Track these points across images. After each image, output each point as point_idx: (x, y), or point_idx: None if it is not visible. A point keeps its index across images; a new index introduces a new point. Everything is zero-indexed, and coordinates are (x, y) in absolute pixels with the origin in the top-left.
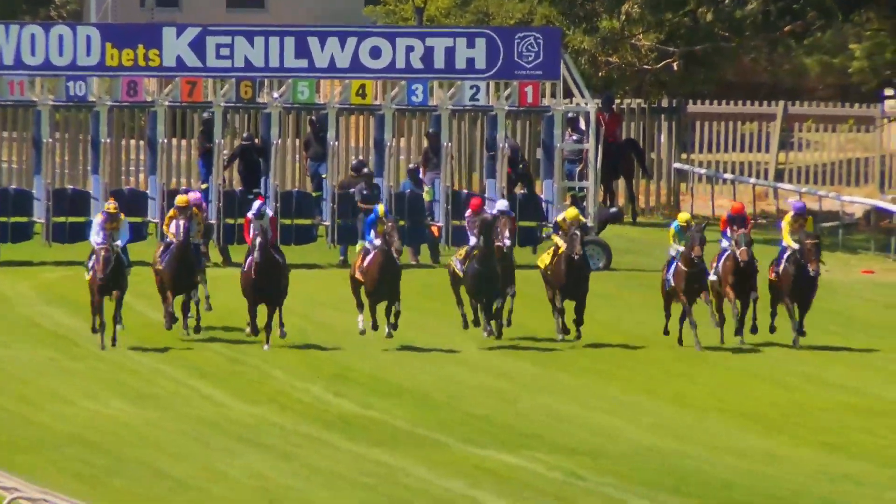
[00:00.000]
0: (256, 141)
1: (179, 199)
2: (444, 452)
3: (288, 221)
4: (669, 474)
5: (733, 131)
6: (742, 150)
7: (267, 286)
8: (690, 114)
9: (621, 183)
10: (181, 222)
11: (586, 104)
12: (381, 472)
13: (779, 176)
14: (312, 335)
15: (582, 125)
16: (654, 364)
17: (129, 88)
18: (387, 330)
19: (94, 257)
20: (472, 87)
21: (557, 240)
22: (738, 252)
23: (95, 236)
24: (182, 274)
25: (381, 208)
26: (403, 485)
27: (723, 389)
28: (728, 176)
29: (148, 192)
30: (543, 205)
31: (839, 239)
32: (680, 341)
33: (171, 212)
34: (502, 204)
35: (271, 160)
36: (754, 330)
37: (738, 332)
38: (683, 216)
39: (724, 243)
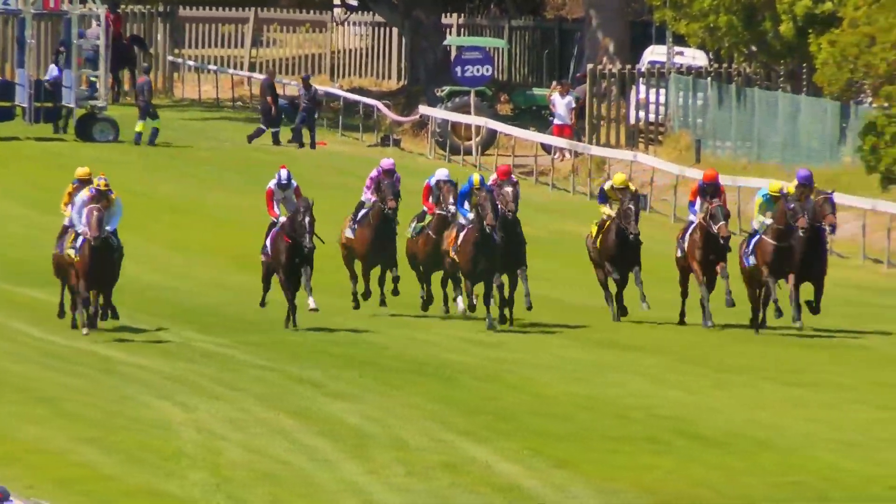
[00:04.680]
0: None
1: (80, 172)
2: None
3: None
4: (167, 305)
5: (216, 31)
6: (223, 46)
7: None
8: (182, 17)
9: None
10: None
11: (97, 8)
12: None
13: (252, 67)
14: None
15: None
16: (151, 214)
17: None
18: (496, 317)
19: (78, 240)
20: None
21: (605, 209)
22: (716, 228)
23: (78, 217)
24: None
25: (475, 177)
26: None
27: (210, 234)
28: (212, 67)
29: None
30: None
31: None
32: (763, 323)
33: (71, 187)
34: (442, 173)
35: None
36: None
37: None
38: (775, 185)
39: (692, 216)
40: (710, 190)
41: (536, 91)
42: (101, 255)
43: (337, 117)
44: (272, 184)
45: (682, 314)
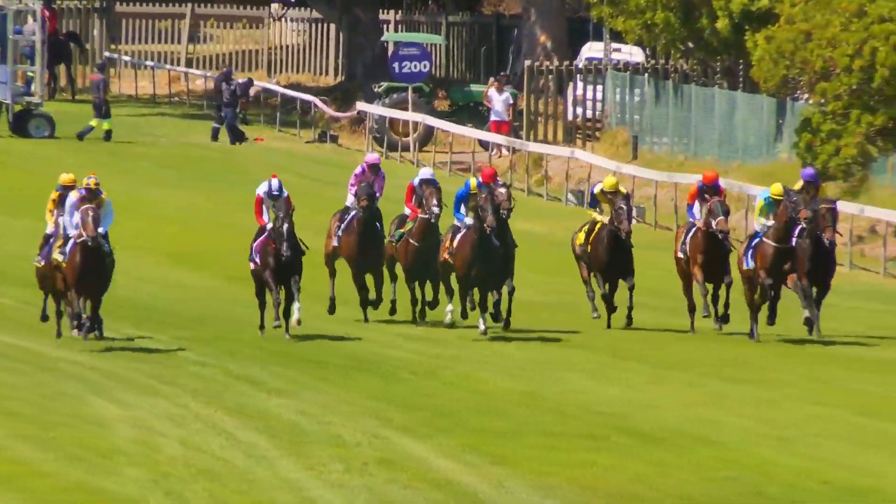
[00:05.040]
0: None
1: (64, 179)
2: None
3: None
4: (104, 301)
5: (152, 27)
6: (159, 42)
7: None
8: (118, 13)
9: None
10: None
11: (33, 3)
12: None
13: (189, 63)
14: None
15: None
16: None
17: None
18: (490, 323)
19: (68, 244)
20: None
21: (595, 215)
22: (714, 223)
23: (68, 220)
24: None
25: (472, 181)
26: None
27: (147, 230)
28: (150, 63)
29: None
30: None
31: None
32: (772, 319)
33: (55, 194)
34: (426, 172)
35: None
36: (726, 319)
37: (719, 318)
38: (777, 188)
39: (692, 219)
40: (709, 192)
41: (474, 87)
42: (93, 258)
43: (274, 113)
44: (262, 192)
45: (692, 324)
